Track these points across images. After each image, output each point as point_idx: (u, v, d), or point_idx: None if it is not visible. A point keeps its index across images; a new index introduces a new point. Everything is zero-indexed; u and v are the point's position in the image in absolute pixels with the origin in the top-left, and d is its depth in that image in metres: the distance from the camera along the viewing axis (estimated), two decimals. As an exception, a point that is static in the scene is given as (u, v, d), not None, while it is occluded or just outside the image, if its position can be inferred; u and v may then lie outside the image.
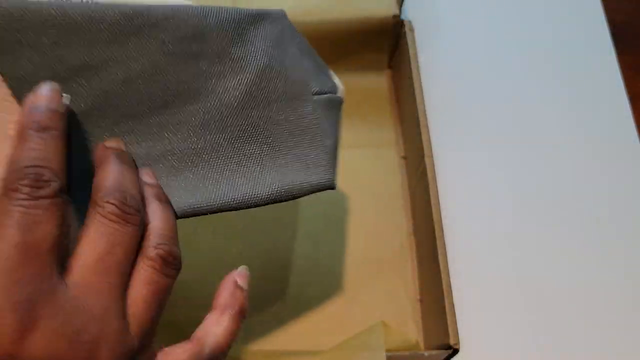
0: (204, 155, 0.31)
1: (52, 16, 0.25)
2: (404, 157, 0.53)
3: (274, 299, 0.46)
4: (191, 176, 0.30)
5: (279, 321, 0.45)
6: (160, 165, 0.30)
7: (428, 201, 0.44)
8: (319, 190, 0.34)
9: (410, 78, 0.50)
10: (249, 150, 0.32)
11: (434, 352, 0.39)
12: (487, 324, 0.46)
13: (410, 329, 0.46)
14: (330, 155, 0.35)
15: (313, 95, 0.34)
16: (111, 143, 0.27)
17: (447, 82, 0.56)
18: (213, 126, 0.31)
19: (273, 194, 0.32)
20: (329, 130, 0.36)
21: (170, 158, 0.30)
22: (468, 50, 0.58)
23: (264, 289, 0.46)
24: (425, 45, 0.56)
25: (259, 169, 0.32)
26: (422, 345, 0.45)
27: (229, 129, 0.31)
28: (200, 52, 0.30)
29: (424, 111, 0.48)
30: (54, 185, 0.22)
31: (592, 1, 0.61)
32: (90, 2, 0.28)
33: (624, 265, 0.48)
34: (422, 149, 0.46)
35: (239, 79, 0.31)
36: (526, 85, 0.56)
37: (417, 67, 0.50)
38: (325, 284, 0.47)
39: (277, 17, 0.33)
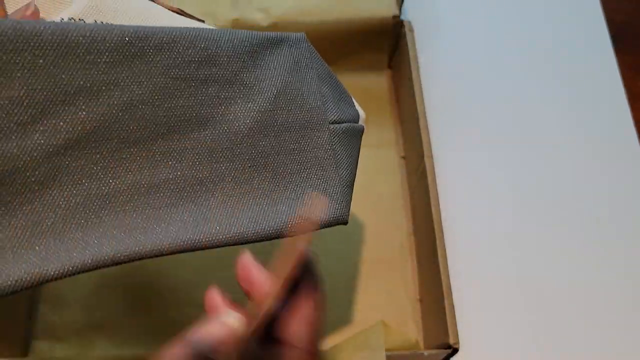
0: (208, 185, 0.29)
1: (50, 37, 0.24)
2: (404, 157, 0.53)
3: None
4: (193, 207, 0.28)
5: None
6: (161, 194, 0.27)
7: (428, 201, 0.44)
8: (329, 226, 0.32)
9: (410, 78, 0.50)
10: (257, 181, 0.30)
11: (434, 351, 0.39)
12: (487, 324, 0.46)
13: (410, 329, 0.46)
14: (344, 187, 0.33)
15: (330, 124, 0.33)
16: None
17: (447, 82, 0.56)
18: (220, 155, 0.29)
19: (277, 230, 0.30)
20: (346, 161, 0.33)
21: (172, 187, 0.28)
22: (468, 50, 0.58)
23: (264, 288, 0.46)
24: (425, 45, 0.56)
25: (265, 202, 0.30)
26: (422, 344, 0.45)
27: (237, 158, 0.29)
28: (210, 77, 0.28)
29: (424, 111, 0.48)
30: None
31: (592, 1, 0.61)
32: (95, 21, 0.28)
33: (623, 265, 0.48)
34: (422, 149, 0.46)
35: (250, 106, 0.29)
36: (526, 85, 0.56)
37: (417, 67, 0.50)
38: (325, 284, 0.47)
39: (295, 42, 0.32)
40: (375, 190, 0.52)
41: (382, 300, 0.47)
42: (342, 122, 0.33)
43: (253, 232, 0.29)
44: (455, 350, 0.39)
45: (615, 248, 0.49)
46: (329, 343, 0.42)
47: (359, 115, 0.36)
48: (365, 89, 0.56)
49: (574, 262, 0.48)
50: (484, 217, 0.50)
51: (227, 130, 0.29)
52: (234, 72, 0.29)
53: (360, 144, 0.36)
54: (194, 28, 0.28)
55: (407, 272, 0.48)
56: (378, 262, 0.48)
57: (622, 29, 0.60)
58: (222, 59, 0.29)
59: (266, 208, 0.30)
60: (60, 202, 0.25)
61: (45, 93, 0.24)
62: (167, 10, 0.32)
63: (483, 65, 0.57)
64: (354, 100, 0.36)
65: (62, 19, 0.27)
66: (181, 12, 0.33)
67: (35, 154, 0.24)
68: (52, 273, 0.24)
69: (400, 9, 0.52)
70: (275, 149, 0.30)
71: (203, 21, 0.34)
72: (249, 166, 0.30)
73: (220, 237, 0.28)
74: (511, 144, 0.53)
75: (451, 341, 0.38)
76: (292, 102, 0.31)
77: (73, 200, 0.25)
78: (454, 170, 0.51)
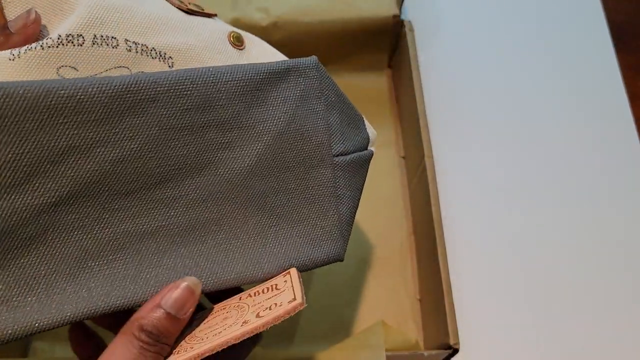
0: (201, 231, 0.28)
1: (36, 101, 0.23)
2: (404, 157, 0.53)
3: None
4: (185, 253, 0.27)
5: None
6: (153, 241, 0.27)
7: (428, 201, 0.44)
8: (324, 264, 0.31)
9: (411, 78, 0.50)
10: (251, 224, 0.29)
11: (434, 351, 0.39)
12: (487, 324, 0.46)
13: (410, 329, 0.46)
14: (343, 224, 0.32)
15: (335, 156, 0.31)
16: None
17: (447, 82, 0.56)
18: (216, 199, 0.28)
19: (271, 273, 0.29)
20: (348, 195, 0.32)
21: (164, 233, 0.27)
22: (468, 50, 0.58)
23: (264, 288, 0.46)
24: (425, 45, 0.56)
25: (259, 245, 0.29)
26: (422, 344, 0.45)
27: (234, 201, 0.28)
28: (208, 122, 0.27)
29: (424, 111, 0.48)
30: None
31: (592, 1, 0.61)
32: (94, 36, 0.26)
33: (624, 265, 0.48)
34: (422, 149, 0.46)
35: (250, 149, 0.28)
36: (526, 85, 0.56)
37: (417, 67, 0.50)
38: (326, 284, 0.47)
39: (304, 70, 0.30)
40: (375, 190, 0.51)
41: (382, 300, 0.47)
42: (348, 154, 0.32)
43: (244, 276, 0.28)
44: (455, 351, 0.39)
45: (616, 248, 0.49)
46: (329, 343, 0.42)
47: (368, 139, 0.34)
48: (365, 88, 0.56)
49: (574, 262, 0.48)
50: (484, 217, 0.50)
51: (225, 175, 0.28)
52: (234, 115, 0.27)
53: (366, 171, 0.34)
54: (191, 70, 0.26)
55: (407, 272, 0.48)
56: (378, 262, 0.48)
57: (622, 29, 0.60)
58: (221, 102, 0.27)
59: (258, 253, 0.29)
60: (51, 256, 0.24)
61: (32, 155, 0.23)
62: (175, 10, 0.31)
63: (483, 65, 0.57)
64: (365, 122, 0.35)
65: (59, 35, 0.26)
66: (192, 12, 0.31)
67: (24, 214, 0.23)
68: (44, 325, 0.24)
69: (400, 9, 0.52)
70: (274, 190, 0.29)
71: (215, 15, 0.33)
72: (245, 209, 0.29)
73: (210, 282, 0.28)
74: (511, 144, 0.53)
75: (451, 341, 0.38)
76: (295, 140, 0.29)
77: (64, 252, 0.25)
78: (454, 170, 0.51)
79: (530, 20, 0.60)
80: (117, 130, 0.25)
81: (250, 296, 0.28)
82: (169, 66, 0.28)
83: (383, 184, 0.52)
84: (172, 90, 0.26)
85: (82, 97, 0.24)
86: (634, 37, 0.61)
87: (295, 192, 0.30)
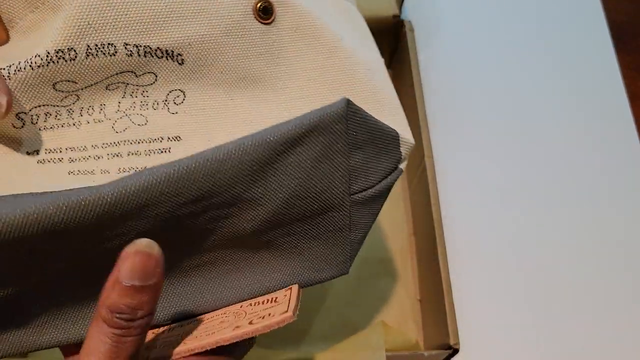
0: (204, 268, 0.27)
1: (24, 231, 0.20)
2: (404, 157, 0.53)
3: (274, 299, 0.46)
4: (186, 288, 0.27)
5: (279, 321, 0.45)
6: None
7: (428, 201, 0.44)
8: (328, 280, 0.29)
9: (411, 78, 0.49)
10: (256, 259, 0.27)
11: (434, 352, 0.39)
12: (487, 324, 0.46)
13: (410, 329, 0.46)
14: (354, 249, 0.29)
15: (354, 194, 0.27)
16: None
17: (447, 83, 0.56)
18: (219, 254, 0.26)
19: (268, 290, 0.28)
20: (362, 222, 0.28)
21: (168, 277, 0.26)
22: (468, 50, 0.58)
23: (264, 289, 0.46)
24: (425, 45, 0.56)
25: (265, 272, 0.28)
26: (422, 345, 0.45)
27: (239, 251, 0.27)
28: (206, 207, 0.23)
29: (424, 111, 0.48)
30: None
31: (592, 1, 0.61)
32: (87, 47, 0.23)
33: (624, 265, 0.48)
34: (422, 149, 0.46)
35: (253, 215, 0.25)
36: (526, 85, 0.56)
37: (417, 67, 0.50)
38: (326, 284, 0.47)
39: (331, 123, 0.24)
40: (375, 190, 0.52)
41: (382, 300, 0.47)
42: (371, 187, 0.28)
43: (243, 296, 0.28)
44: (455, 351, 0.39)
45: (616, 248, 0.49)
46: (329, 343, 0.42)
47: (400, 158, 0.29)
48: (365, 88, 0.56)
49: (574, 262, 0.48)
50: (484, 217, 0.50)
51: (224, 242, 0.26)
52: (237, 194, 0.24)
53: (389, 192, 0.29)
54: (190, 163, 0.22)
55: (407, 272, 0.48)
56: (378, 262, 0.48)
57: (623, 29, 0.60)
58: (223, 187, 0.23)
59: (264, 278, 0.28)
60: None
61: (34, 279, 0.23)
62: None
63: (483, 65, 0.57)
64: (400, 138, 0.29)
65: (48, 52, 0.23)
66: None
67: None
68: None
69: (400, 9, 0.52)
70: (281, 237, 0.26)
71: None
72: (251, 251, 0.27)
73: (211, 306, 0.28)
74: (511, 144, 0.53)
75: (451, 342, 0.38)
76: (308, 197, 0.25)
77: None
78: (454, 170, 0.51)
79: (530, 20, 0.60)
80: (108, 234, 0.23)
81: (251, 305, 0.28)
82: (179, 63, 0.25)
83: (383, 184, 0.52)
84: (164, 194, 0.22)
85: (73, 217, 0.21)
86: (634, 37, 0.61)
87: (306, 233, 0.27)
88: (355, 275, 0.48)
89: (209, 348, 0.24)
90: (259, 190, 0.24)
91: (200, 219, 0.24)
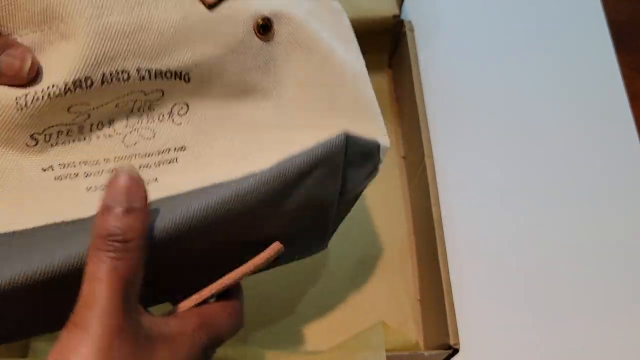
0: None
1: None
2: (404, 157, 0.53)
3: (274, 300, 0.46)
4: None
5: (279, 321, 0.45)
6: None
7: (428, 201, 0.44)
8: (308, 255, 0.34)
9: (411, 78, 0.49)
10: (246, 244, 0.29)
11: (434, 352, 0.39)
12: (487, 324, 0.46)
13: (410, 329, 0.46)
14: (333, 226, 0.33)
15: (340, 196, 0.31)
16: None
17: (447, 82, 0.56)
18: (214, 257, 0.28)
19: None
20: (341, 214, 0.34)
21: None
22: (468, 50, 0.58)
23: (264, 289, 0.46)
24: (425, 45, 0.56)
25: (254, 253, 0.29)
26: (422, 345, 0.45)
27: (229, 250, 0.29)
28: (210, 241, 0.27)
29: (424, 111, 0.48)
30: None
31: (592, 1, 0.61)
32: (102, 75, 0.24)
33: (624, 265, 0.48)
34: (422, 149, 0.46)
35: (261, 231, 0.28)
36: (526, 85, 0.56)
37: (417, 67, 0.50)
38: (326, 284, 0.47)
39: (334, 156, 0.28)
40: (375, 190, 0.51)
41: (382, 300, 0.47)
42: (353, 190, 0.32)
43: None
44: (455, 351, 0.39)
45: (616, 248, 0.49)
46: (329, 343, 0.42)
47: (378, 165, 0.33)
48: (365, 88, 0.56)
49: (575, 262, 0.48)
50: (484, 217, 0.50)
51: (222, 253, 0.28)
52: (246, 223, 0.27)
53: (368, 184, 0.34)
54: (200, 212, 0.25)
55: (407, 272, 0.48)
56: (378, 262, 0.48)
57: (622, 29, 0.60)
58: (234, 220, 0.26)
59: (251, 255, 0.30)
60: None
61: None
62: (196, 4, 0.26)
63: (483, 65, 0.57)
64: (380, 148, 0.32)
65: (66, 83, 0.23)
66: (216, 3, 0.27)
67: None
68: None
69: (400, 9, 0.52)
70: (276, 232, 0.29)
71: None
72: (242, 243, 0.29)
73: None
74: (511, 144, 0.53)
75: (451, 342, 0.38)
76: (307, 209, 0.29)
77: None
78: (454, 170, 0.51)
79: (530, 20, 0.60)
80: None
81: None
82: (186, 81, 0.27)
83: (383, 184, 0.52)
84: (174, 238, 0.25)
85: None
86: (634, 37, 0.61)
87: (300, 226, 0.30)
88: (355, 275, 0.48)
89: (214, 292, 0.27)
90: (272, 210, 0.27)
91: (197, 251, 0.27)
